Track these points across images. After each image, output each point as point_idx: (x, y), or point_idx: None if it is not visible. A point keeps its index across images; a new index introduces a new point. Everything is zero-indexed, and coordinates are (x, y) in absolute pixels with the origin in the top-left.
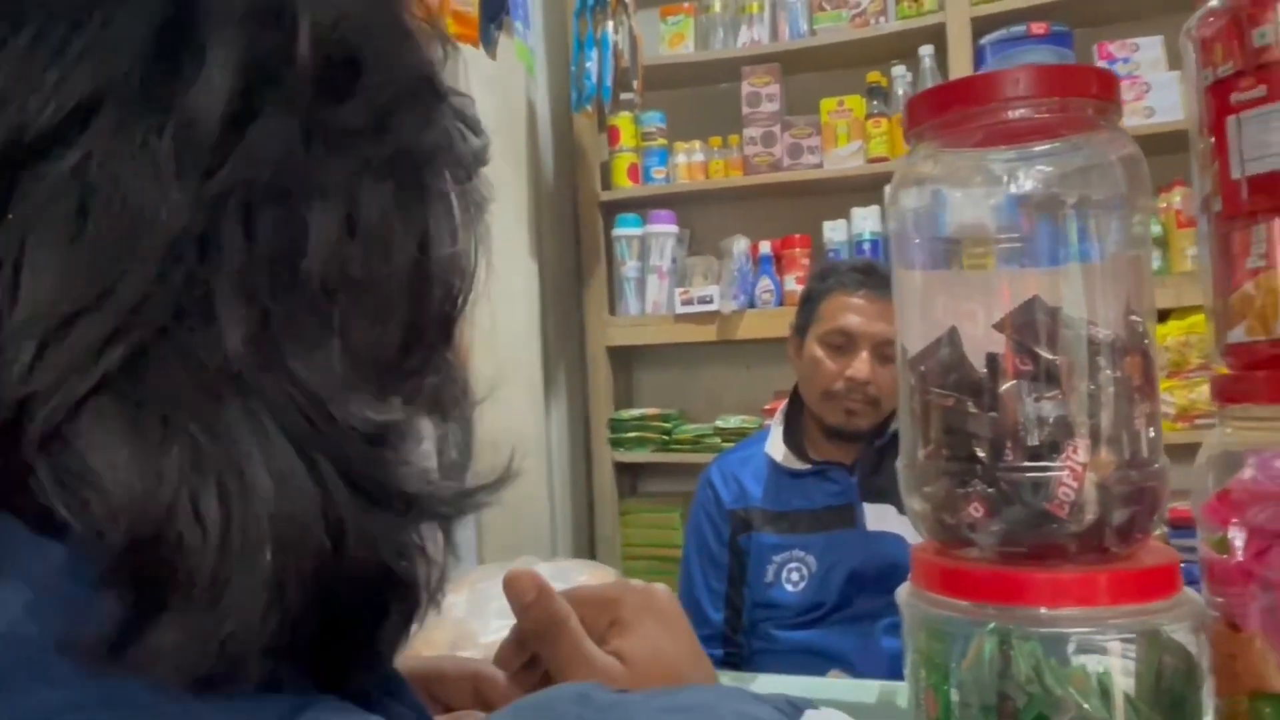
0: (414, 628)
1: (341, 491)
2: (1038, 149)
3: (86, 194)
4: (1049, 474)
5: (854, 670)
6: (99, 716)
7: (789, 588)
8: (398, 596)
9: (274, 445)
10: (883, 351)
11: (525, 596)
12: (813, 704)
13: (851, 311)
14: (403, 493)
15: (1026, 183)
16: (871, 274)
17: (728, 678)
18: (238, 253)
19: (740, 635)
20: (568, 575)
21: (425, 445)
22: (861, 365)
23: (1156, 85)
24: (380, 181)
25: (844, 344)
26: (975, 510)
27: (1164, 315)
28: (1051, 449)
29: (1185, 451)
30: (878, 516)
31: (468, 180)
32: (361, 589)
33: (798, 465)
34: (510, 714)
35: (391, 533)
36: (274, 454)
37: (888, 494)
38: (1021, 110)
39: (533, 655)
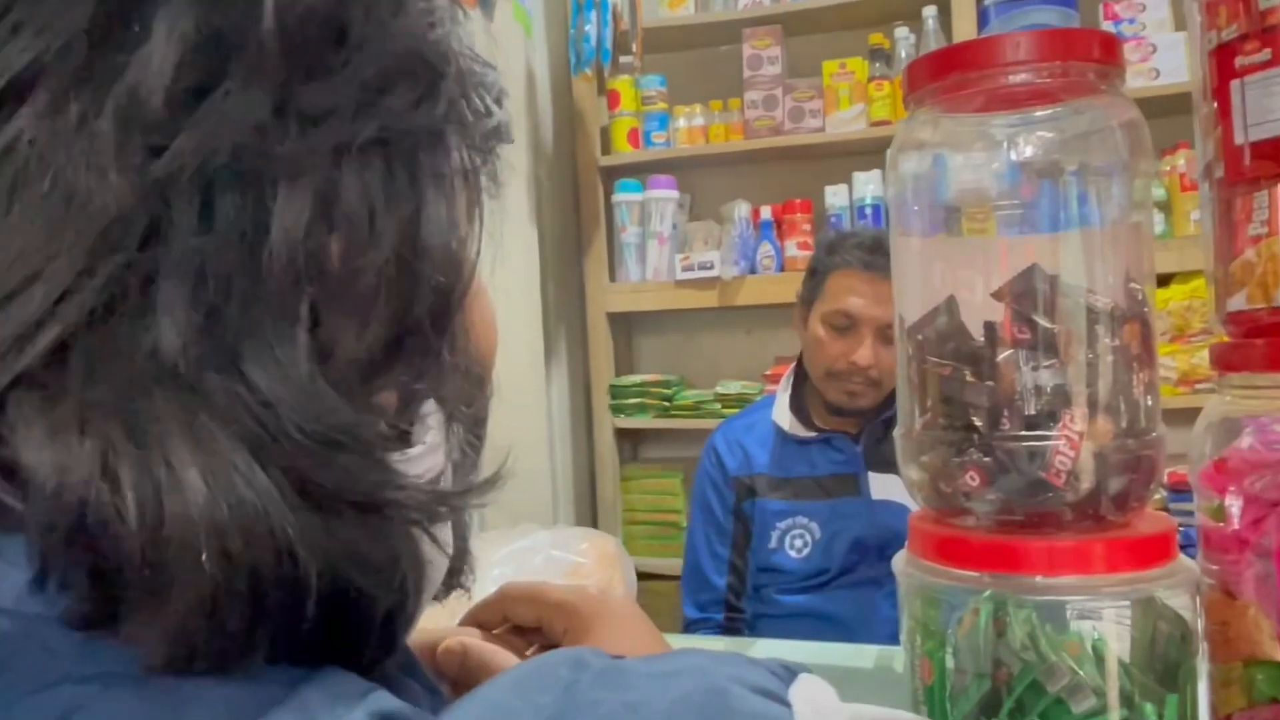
0: (401, 628)
1: (290, 498)
2: (1039, 114)
3: (17, 176)
4: (1046, 443)
5: (854, 637)
6: (93, 689)
7: (792, 554)
8: (367, 601)
9: (214, 447)
10: (886, 334)
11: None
12: (806, 669)
13: (855, 294)
14: (361, 502)
15: (1027, 148)
16: (878, 251)
17: (726, 644)
18: (188, 239)
19: (744, 600)
20: (569, 543)
21: (432, 442)
22: (865, 351)
23: (1162, 46)
24: (364, 165)
25: (847, 326)
26: (972, 479)
27: (1167, 279)
28: (1048, 418)
29: (1187, 416)
30: (883, 486)
31: (481, 161)
32: (330, 593)
33: (803, 433)
34: (508, 677)
35: (350, 541)
36: (214, 455)
37: (893, 463)
38: (1023, 75)
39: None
